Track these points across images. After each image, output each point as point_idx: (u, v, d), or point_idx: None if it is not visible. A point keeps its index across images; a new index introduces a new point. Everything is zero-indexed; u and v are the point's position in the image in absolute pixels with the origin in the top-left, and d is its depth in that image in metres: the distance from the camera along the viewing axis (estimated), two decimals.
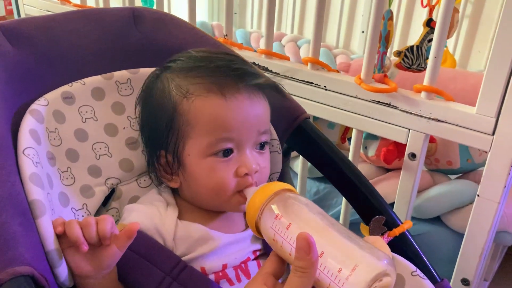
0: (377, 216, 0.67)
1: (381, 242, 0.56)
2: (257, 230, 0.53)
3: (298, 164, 1.17)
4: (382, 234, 0.67)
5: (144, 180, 0.72)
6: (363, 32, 2.07)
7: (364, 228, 0.68)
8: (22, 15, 1.98)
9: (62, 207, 0.59)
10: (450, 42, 1.78)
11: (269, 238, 0.51)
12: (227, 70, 0.61)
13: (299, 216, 0.50)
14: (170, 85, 0.63)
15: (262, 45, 1.10)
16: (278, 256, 0.51)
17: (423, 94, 0.90)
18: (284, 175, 0.80)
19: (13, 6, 2.37)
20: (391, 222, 0.69)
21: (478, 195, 0.87)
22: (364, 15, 2.07)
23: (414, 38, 1.92)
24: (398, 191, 0.98)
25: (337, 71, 1.05)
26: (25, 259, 0.44)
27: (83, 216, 0.63)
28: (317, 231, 0.47)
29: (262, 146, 0.64)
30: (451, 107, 0.87)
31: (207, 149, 0.60)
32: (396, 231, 0.67)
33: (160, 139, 0.63)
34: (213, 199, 0.63)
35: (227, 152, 0.61)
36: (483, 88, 0.82)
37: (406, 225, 0.68)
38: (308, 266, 0.44)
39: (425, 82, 0.89)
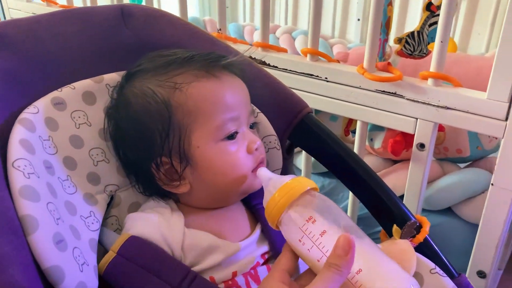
0: (412, 220, 0.66)
1: (409, 248, 0.59)
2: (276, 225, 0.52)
3: (301, 159, 1.14)
4: (411, 238, 0.65)
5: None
6: (359, 20, 2.04)
7: (396, 231, 0.66)
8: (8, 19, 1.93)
9: (71, 215, 0.56)
10: None
11: (294, 238, 0.49)
12: (203, 55, 0.61)
13: (337, 222, 0.49)
14: (150, 86, 0.60)
15: (256, 38, 1.06)
16: (293, 253, 0.51)
17: (430, 81, 0.87)
18: (287, 173, 0.76)
19: None
20: (402, 217, 0.66)
21: (492, 184, 0.84)
22: (359, 3, 2.03)
23: (411, 23, 1.89)
24: (407, 183, 0.95)
25: (338, 61, 1.01)
26: (17, 281, 0.41)
27: (93, 223, 0.59)
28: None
29: (251, 126, 0.65)
30: (460, 93, 0.84)
31: (217, 133, 0.59)
32: (420, 237, 0.64)
33: (155, 146, 0.60)
34: (231, 185, 0.61)
35: (233, 135, 0.60)
36: (494, 72, 0.78)
37: (427, 227, 0.65)
38: (343, 266, 0.45)
39: (432, 68, 0.85)
